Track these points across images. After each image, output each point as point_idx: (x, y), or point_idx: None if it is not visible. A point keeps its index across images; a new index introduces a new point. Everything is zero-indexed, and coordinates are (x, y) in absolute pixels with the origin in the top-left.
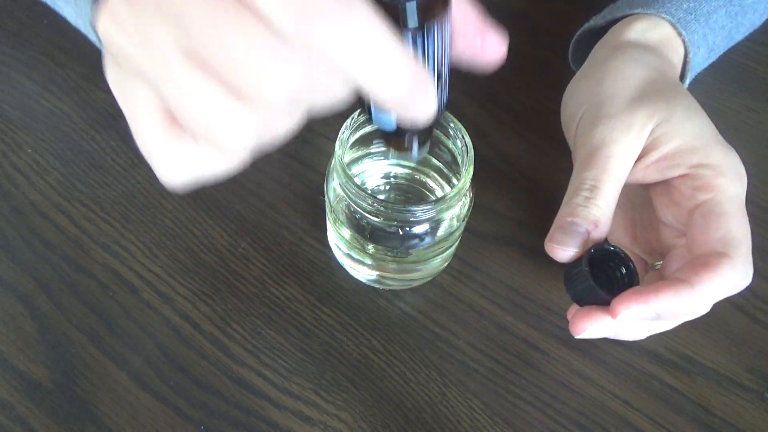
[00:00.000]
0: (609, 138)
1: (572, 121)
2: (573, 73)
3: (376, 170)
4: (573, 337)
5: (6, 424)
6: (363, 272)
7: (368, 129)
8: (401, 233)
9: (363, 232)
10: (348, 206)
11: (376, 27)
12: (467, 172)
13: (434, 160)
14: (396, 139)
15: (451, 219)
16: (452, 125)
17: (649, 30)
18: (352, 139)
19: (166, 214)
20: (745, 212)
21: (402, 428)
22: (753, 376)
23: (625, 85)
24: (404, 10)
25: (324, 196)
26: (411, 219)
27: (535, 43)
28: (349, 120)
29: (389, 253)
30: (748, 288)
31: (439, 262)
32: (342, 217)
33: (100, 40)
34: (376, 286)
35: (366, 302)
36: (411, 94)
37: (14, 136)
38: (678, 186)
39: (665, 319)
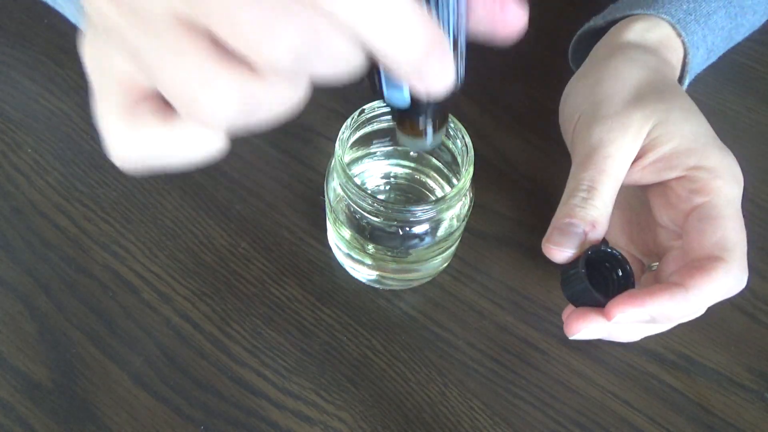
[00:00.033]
0: (606, 138)
1: (570, 121)
2: (573, 73)
3: (376, 170)
4: None
5: (6, 424)
6: (363, 272)
7: (368, 129)
8: (401, 233)
9: (363, 232)
10: (348, 206)
11: None
12: (467, 172)
13: (434, 160)
14: (409, 120)
15: (451, 219)
16: (452, 125)
17: (649, 31)
18: (352, 139)
19: (166, 214)
20: (741, 215)
21: (402, 428)
22: (753, 376)
23: (623, 86)
24: None
25: (324, 196)
26: (411, 219)
27: (535, 43)
28: (349, 120)
29: (389, 253)
30: (748, 288)
31: (439, 262)
32: (342, 217)
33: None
34: (376, 286)
35: (366, 302)
36: (426, 57)
37: (14, 136)
38: (674, 188)
39: (660, 322)
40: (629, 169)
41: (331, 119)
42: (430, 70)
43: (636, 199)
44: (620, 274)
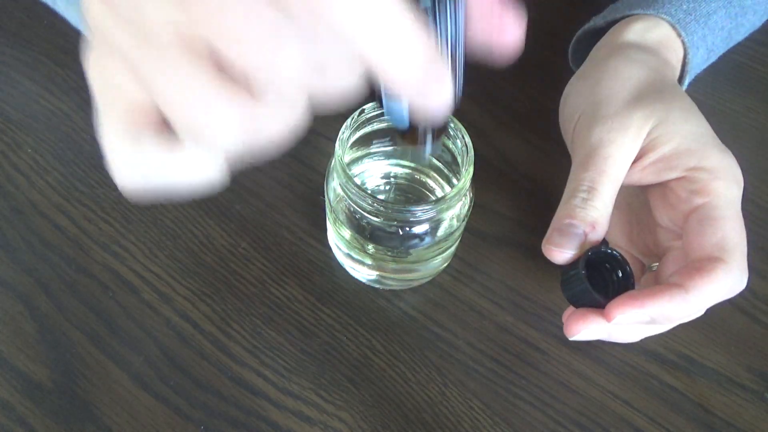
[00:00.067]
0: (606, 139)
1: (570, 121)
2: (573, 73)
3: (376, 170)
4: None
5: (6, 424)
6: (363, 272)
7: (368, 129)
8: (401, 233)
9: (363, 232)
10: (348, 206)
11: (389, 1)
12: (467, 172)
13: (434, 160)
14: (409, 132)
15: (451, 219)
16: (452, 125)
17: (648, 31)
18: (352, 139)
19: (166, 214)
20: (740, 216)
21: (402, 428)
22: (753, 376)
23: (623, 86)
24: None
25: (324, 196)
26: (411, 219)
27: (535, 43)
28: (349, 120)
29: (389, 253)
30: (748, 288)
31: (439, 262)
32: (342, 217)
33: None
34: (376, 286)
35: (366, 302)
36: (425, 76)
37: (14, 136)
38: (674, 188)
39: (660, 323)
40: (629, 170)
41: (331, 119)
42: (429, 89)
43: (636, 200)
44: (620, 275)
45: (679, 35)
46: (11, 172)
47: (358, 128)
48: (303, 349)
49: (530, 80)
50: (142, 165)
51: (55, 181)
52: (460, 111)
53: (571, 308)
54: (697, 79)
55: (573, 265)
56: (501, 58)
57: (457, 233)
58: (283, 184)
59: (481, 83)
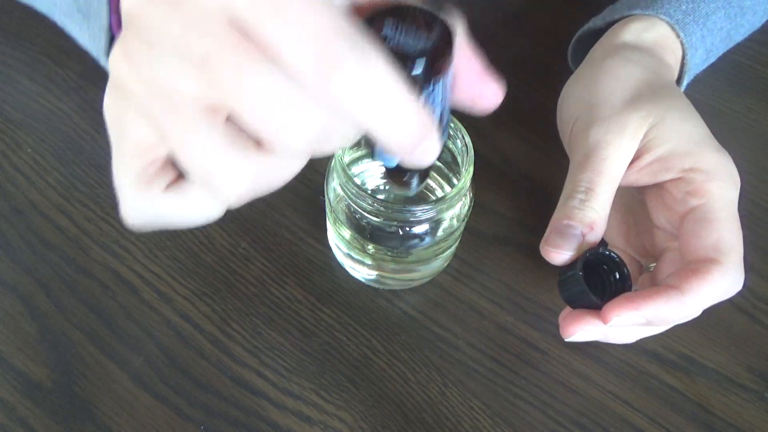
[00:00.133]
0: (604, 140)
1: (567, 123)
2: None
3: (376, 170)
4: None
5: (6, 424)
6: (363, 272)
7: None
8: (401, 233)
9: (363, 232)
10: (348, 206)
11: (390, 77)
12: (467, 172)
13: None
14: (397, 176)
15: (451, 219)
16: (452, 125)
17: (647, 31)
18: None
19: None
20: (737, 217)
21: (402, 428)
22: (753, 376)
23: (620, 87)
24: (412, 59)
25: (324, 196)
26: (411, 219)
27: (535, 43)
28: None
29: (389, 253)
30: (748, 288)
31: (439, 262)
32: (342, 217)
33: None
34: (376, 286)
35: (366, 302)
36: (418, 142)
37: (14, 136)
38: (671, 190)
39: (656, 324)
40: (626, 171)
41: None
42: (420, 150)
43: (633, 201)
44: (617, 276)
45: (678, 36)
46: (11, 172)
47: None
48: (303, 349)
49: (530, 80)
50: (150, 207)
51: (55, 181)
52: (460, 111)
53: (567, 309)
54: (697, 80)
55: (571, 266)
56: (480, 114)
57: (457, 233)
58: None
59: None
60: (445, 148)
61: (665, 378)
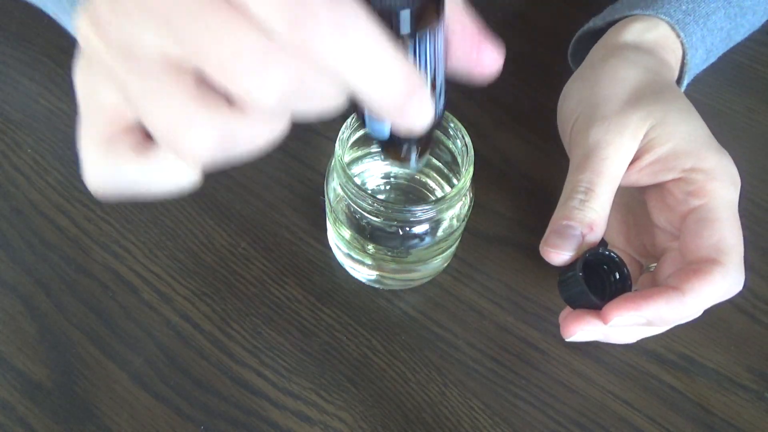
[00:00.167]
0: (604, 140)
1: (567, 123)
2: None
3: (376, 170)
4: None
5: (6, 424)
6: (363, 272)
7: None
8: (401, 233)
9: (363, 232)
10: (348, 206)
11: (371, 31)
12: (467, 172)
13: (434, 160)
14: (392, 148)
15: (451, 219)
16: (452, 125)
17: (647, 31)
18: (352, 139)
19: (166, 214)
20: (737, 218)
21: (402, 428)
22: (753, 376)
23: (621, 87)
24: (397, 16)
25: (324, 196)
26: (411, 219)
27: (535, 43)
28: (349, 120)
29: (389, 253)
30: (748, 288)
31: (439, 262)
32: (342, 217)
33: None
34: (376, 286)
35: (366, 302)
36: (405, 100)
37: (14, 136)
38: (671, 190)
39: (656, 325)
40: (626, 171)
41: (331, 119)
42: (410, 110)
43: (634, 201)
44: (617, 276)
45: (678, 36)
46: (11, 172)
47: (358, 128)
48: (303, 349)
49: (530, 80)
50: (114, 171)
51: (55, 181)
52: (460, 111)
53: (568, 309)
54: (697, 80)
55: (570, 266)
56: (480, 82)
57: (457, 233)
58: (283, 184)
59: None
60: (445, 148)
61: (665, 378)
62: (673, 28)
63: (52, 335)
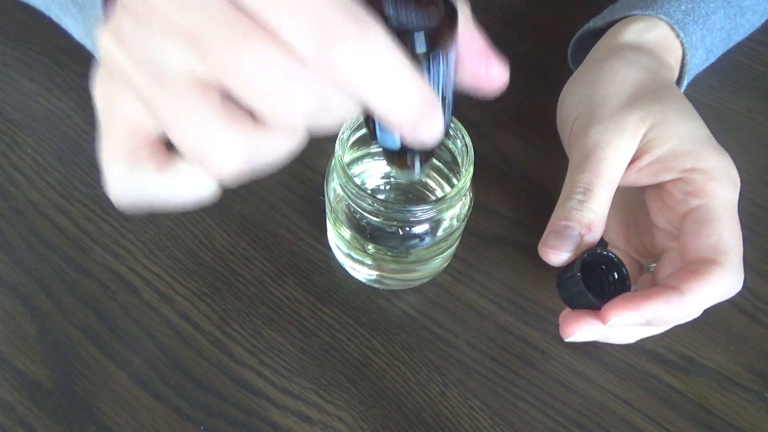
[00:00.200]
0: (603, 141)
1: (567, 123)
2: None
3: (376, 170)
4: None
5: (6, 424)
6: (363, 272)
7: None
8: (401, 233)
9: (363, 232)
10: (348, 206)
11: (391, 51)
12: (467, 172)
13: (434, 160)
14: (399, 158)
15: (451, 219)
16: (452, 125)
17: (646, 31)
18: (352, 139)
19: (166, 214)
20: (737, 218)
21: (402, 428)
22: (753, 376)
23: (620, 88)
24: (414, 37)
25: (324, 196)
26: (411, 219)
27: (535, 43)
28: (349, 120)
29: (389, 253)
30: (748, 288)
31: (439, 262)
32: (342, 217)
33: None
34: (376, 286)
35: (366, 302)
36: (420, 117)
37: (14, 136)
38: (671, 190)
39: (655, 325)
40: (625, 171)
41: None
42: (423, 126)
43: (634, 201)
44: (616, 276)
45: (678, 36)
46: (11, 172)
47: (358, 128)
48: (303, 349)
49: (530, 80)
50: (137, 185)
51: (55, 181)
52: (460, 111)
53: (567, 309)
54: (697, 80)
55: (569, 267)
56: (486, 96)
57: (457, 233)
58: (283, 184)
59: None
60: (445, 148)
61: (665, 378)
62: (672, 28)
63: (52, 335)
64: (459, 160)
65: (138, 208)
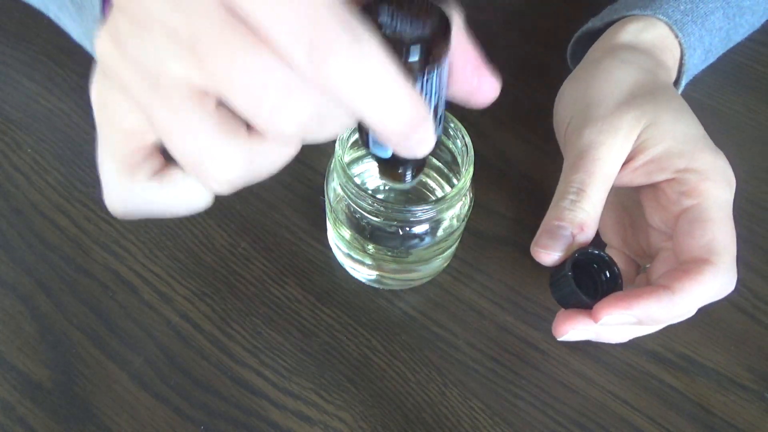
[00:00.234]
0: (597, 141)
1: (562, 123)
2: None
3: (376, 170)
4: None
5: (6, 424)
6: (363, 272)
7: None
8: (401, 233)
9: (363, 232)
10: (348, 206)
11: (385, 63)
12: (467, 172)
13: (434, 160)
14: (391, 169)
15: (451, 219)
16: (452, 125)
17: (644, 31)
18: (352, 139)
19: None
20: (731, 218)
21: (402, 428)
22: (753, 376)
23: (615, 88)
24: (407, 47)
25: (324, 196)
26: (411, 219)
27: (535, 43)
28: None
29: (389, 253)
30: (748, 288)
31: (439, 262)
32: (342, 217)
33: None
34: (376, 286)
35: (366, 302)
36: (411, 129)
37: (14, 136)
38: (665, 190)
39: (647, 324)
40: (620, 171)
41: None
42: (415, 139)
43: (629, 201)
44: (608, 275)
45: (676, 36)
46: (11, 172)
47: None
48: (303, 349)
49: (530, 80)
50: (134, 195)
51: (55, 181)
52: (460, 111)
53: (563, 310)
54: (697, 80)
55: (561, 267)
56: (476, 107)
57: (457, 233)
58: (283, 184)
59: None
60: (445, 148)
61: (665, 378)
62: (671, 29)
63: (52, 335)
64: (459, 160)
65: (133, 215)
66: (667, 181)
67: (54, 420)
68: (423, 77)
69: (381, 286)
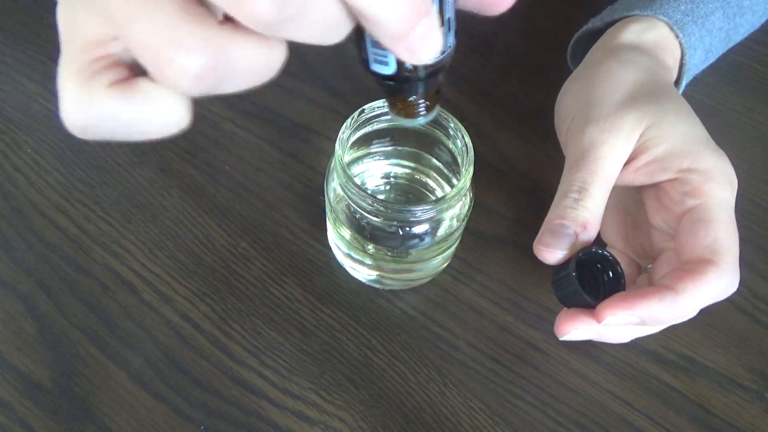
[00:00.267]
0: (599, 140)
1: (564, 123)
2: None
3: (376, 170)
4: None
5: (6, 424)
6: (363, 272)
7: (368, 129)
8: (401, 233)
9: (363, 232)
10: (348, 206)
11: None
12: (467, 172)
13: (434, 160)
14: (400, 96)
15: (451, 219)
16: (452, 125)
17: (645, 31)
18: (352, 139)
19: (166, 214)
20: (733, 218)
21: (402, 428)
22: (753, 376)
23: (616, 88)
24: None
25: (324, 196)
26: (411, 219)
27: (535, 43)
28: (349, 120)
29: (389, 253)
30: (748, 288)
31: (439, 262)
32: (342, 217)
33: None
34: (376, 286)
35: (366, 302)
36: (412, 25)
37: (14, 136)
38: (667, 190)
39: (649, 324)
40: (622, 171)
41: (331, 119)
42: (417, 36)
43: (632, 201)
44: (611, 275)
45: (677, 36)
46: (11, 172)
47: (358, 128)
48: (303, 349)
49: (530, 80)
50: (92, 109)
51: (55, 181)
52: (460, 111)
53: (566, 310)
54: (697, 80)
55: (564, 266)
56: (490, 14)
57: (457, 233)
58: (283, 184)
59: (481, 83)
60: (445, 148)
61: (665, 378)
62: (671, 29)
63: (52, 335)
64: (459, 160)
65: (96, 132)
66: (670, 181)
67: (54, 420)
68: None
69: (381, 286)
